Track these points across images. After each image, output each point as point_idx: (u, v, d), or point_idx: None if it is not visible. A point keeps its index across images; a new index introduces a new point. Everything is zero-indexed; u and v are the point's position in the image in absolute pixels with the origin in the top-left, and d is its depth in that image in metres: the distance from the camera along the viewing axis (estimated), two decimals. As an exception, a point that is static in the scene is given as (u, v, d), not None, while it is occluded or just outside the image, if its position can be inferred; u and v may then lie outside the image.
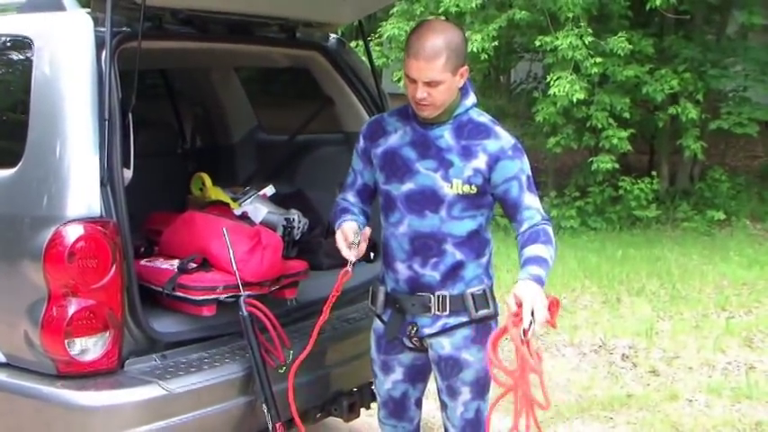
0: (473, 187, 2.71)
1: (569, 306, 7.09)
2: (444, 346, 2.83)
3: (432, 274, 2.79)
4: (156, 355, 2.84)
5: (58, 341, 2.62)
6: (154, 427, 2.64)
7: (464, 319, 2.79)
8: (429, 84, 2.63)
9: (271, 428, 2.85)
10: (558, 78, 9.24)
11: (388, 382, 2.99)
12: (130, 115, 2.89)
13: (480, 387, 2.85)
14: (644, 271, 8.13)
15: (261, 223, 3.68)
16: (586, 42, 9.23)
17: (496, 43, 9.73)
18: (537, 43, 9.63)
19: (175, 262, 3.08)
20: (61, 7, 2.94)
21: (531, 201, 2.72)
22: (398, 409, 3.02)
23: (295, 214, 3.79)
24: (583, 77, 9.48)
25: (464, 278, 2.79)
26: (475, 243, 2.80)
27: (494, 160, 2.70)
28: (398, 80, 11.15)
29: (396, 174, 2.82)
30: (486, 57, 9.80)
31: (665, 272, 8.04)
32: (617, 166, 10.10)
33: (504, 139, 2.74)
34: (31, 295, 2.66)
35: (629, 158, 11.56)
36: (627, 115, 9.88)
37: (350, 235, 2.80)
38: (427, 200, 2.76)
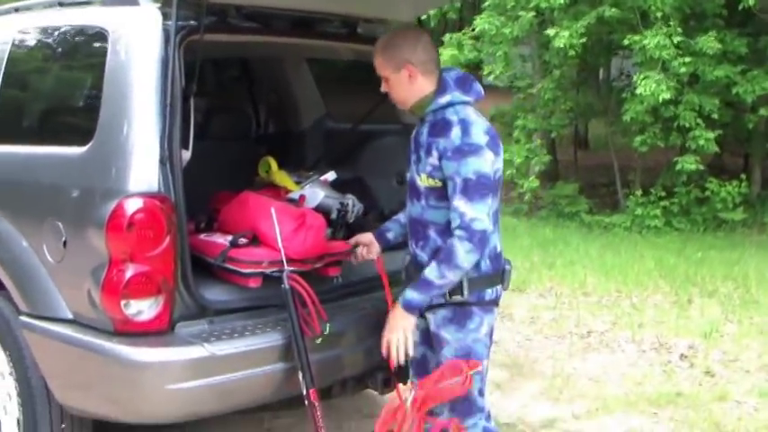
0: (437, 181, 2.97)
1: (638, 304, 7.13)
2: (431, 322, 3.13)
3: (421, 254, 3.10)
4: (205, 321, 3.09)
5: (115, 302, 2.91)
6: (197, 383, 2.92)
7: (441, 300, 3.05)
8: (384, 79, 3.09)
9: (305, 394, 3.09)
10: (645, 77, 9.20)
11: (412, 342, 3.23)
12: (192, 100, 3.15)
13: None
14: (720, 273, 8.07)
15: (317, 206, 3.93)
16: (675, 41, 9.16)
17: (584, 40, 9.73)
18: (625, 42, 9.60)
19: (230, 237, 3.35)
20: (135, 2, 3.25)
21: (458, 203, 2.89)
22: (420, 369, 3.29)
23: (350, 199, 3.99)
24: (672, 77, 9.41)
25: None
26: None
27: (439, 158, 2.94)
28: (488, 74, 11.28)
29: (408, 162, 3.18)
30: (575, 53, 9.82)
31: (741, 276, 7.96)
32: (701, 167, 9.98)
33: (450, 139, 2.91)
34: (96, 260, 2.96)
35: (723, 160, 11.40)
36: (716, 116, 9.75)
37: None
38: (413, 189, 3.09)
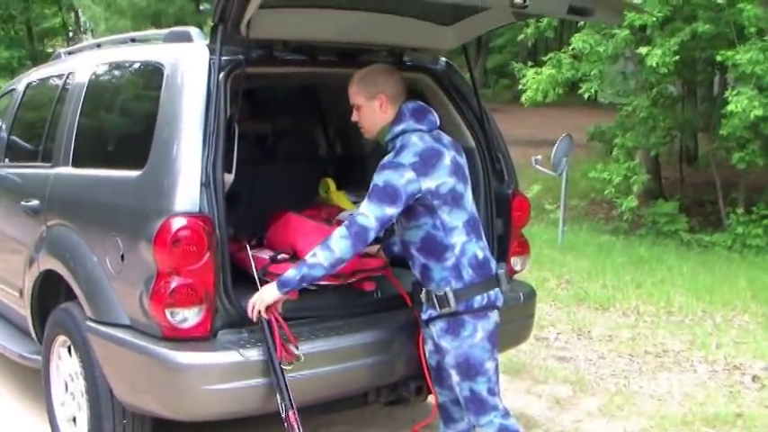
0: None
1: (722, 324, 7.03)
2: (433, 333, 3.33)
3: (414, 272, 3.35)
4: (246, 329, 3.37)
5: (161, 310, 3.23)
6: (231, 385, 3.22)
7: (435, 313, 3.28)
8: (356, 107, 3.44)
9: (284, 417, 3.18)
10: (737, 94, 9.05)
11: (426, 352, 3.51)
12: (236, 127, 3.45)
13: (463, 370, 3.28)
14: (816, 295, 7.83)
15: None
16: (769, 57, 8.99)
17: (677, 57, 9.64)
18: (718, 58, 9.46)
19: (272, 253, 3.64)
20: (189, 39, 3.63)
21: (364, 202, 3.22)
22: (437, 376, 3.53)
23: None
24: (770, 93, 9.23)
25: (433, 279, 3.28)
26: (432, 248, 3.25)
27: None
28: (584, 92, 11.28)
29: None
30: (667, 71, 9.74)
31: (838, 298, 7.71)
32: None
33: (384, 159, 3.23)
34: (146, 272, 3.30)
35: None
36: (820, 132, 9.48)
37: None
38: None
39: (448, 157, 3.32)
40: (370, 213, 3.16)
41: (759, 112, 8.92)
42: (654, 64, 9.48)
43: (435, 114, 3.44)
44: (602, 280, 8.67)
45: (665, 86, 11.19)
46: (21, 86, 5.34)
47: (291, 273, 3.21)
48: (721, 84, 13.18)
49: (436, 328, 3.33)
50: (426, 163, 3.23)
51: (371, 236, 3.18)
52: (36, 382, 4.56)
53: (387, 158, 3.28)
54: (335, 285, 3.60)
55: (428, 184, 3.21)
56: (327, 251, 3.17)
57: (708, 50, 10.63)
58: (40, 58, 21.29)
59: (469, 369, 3.29)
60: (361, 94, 3.42)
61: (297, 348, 3.27)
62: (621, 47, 10.59)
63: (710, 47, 10.38)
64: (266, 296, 3.23)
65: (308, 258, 3.20)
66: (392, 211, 3.16)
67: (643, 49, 9.75)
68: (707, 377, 5.71)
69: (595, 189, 13.06)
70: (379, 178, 3.21)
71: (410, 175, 3.19)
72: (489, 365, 3.31)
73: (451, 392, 3.49)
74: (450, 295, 3.24)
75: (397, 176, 3.18)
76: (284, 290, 3.22)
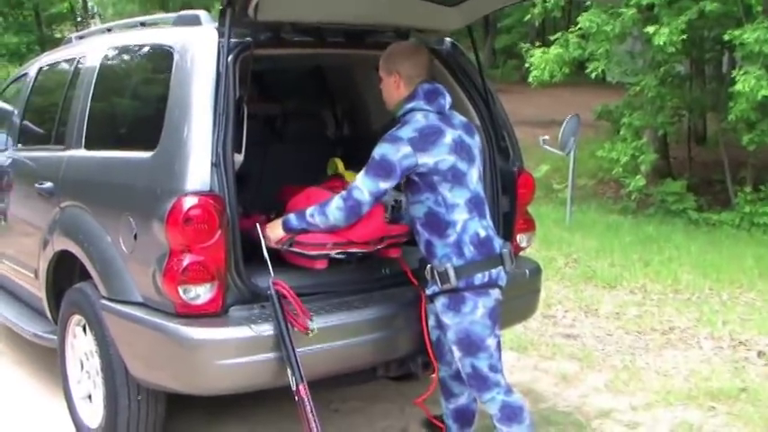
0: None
1: (728, 302, 7.08)
2: (436, 309, 3.41)
3: (420, 248, 3.41)
4: (257, 305, 3.44)
5: (174, 287, 3.31)
6: (243, 360, 3.29)
7: (438, 289, 3.35)
8: (379, 78, 3.62)
9: (294, 390, 3.28)
10: (744, 73, 9.04)
11: (429, 326, 3.59)
12: (245, 108, 3.51)
13: (464, 346, 3.36)
14: (822, 272, 7.87)
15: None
16: (777, 35, 8.97)
17: (685, 36, 9.62)
18: (726, 37, 9.44)
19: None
20: (198, 23, 3.69)
21: (360, 174, 3.42)
22: (438, 351, 3.62)
23: (403, 196, 4.30)
24: (779, 71, 9.21)
25: (436, 255, 3.36)
26: (434, 224, 3.33)
27: None
28: (591, 71, 11.28)
29: None
30: (675, 50, 9.73)
31: (843, 275, 7.75)
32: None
33: (387, 132, 3.34)
34: (159, 250, 3.38)
35: None
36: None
37: None
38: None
39: (450, 135, 3.40)
40: (364, 188, 3.34)
41: (766, 92, 8.91)
42: (661, 43, 9.48)
43: (447, 98, 3.52)
44: (610, 259, 8.73)
45: (672, 65, 11.19)
46: (32, 71, 5.41)
47: (295, 222, 3.51)
48: (729, 63, 13.14)
49: (439, 304, 3.41)
50: (425, 139, 3.33)
51: (365, 209, 3.38)
52: (51, 363, 4.66)
53: (389, 132, 3.39)
54: (364, 252, 3.69)
55: (425, 159, 3.31)
56: (323, 217, 3.42)
57: (715, 29, 10.62)
58: (48, 44, 21.32)
59: (471, 345, 3.36)
60: (383, 68, 3.59)
61: (311, 320, 3.33)
62: (629, 26, 10.59)
63: (718, 25, 10.36)
64: (272, 234, 3.54)
65: (308, 218, 3.45)
66: (386, 185, 3.34)
67: (650, 28, 9.75)
68: (712, 353, 5.77)
69: (603, 168, 13.09)
70: (377, 151, 3.34)
71: (406, 149, 3.30)
72: (490, 342, 3.38)
73: (450, 368, 3.57)
74: (451, 272, 3.32)
75: (394, 150, 3.30)
76: (288, 232, 3.53)
